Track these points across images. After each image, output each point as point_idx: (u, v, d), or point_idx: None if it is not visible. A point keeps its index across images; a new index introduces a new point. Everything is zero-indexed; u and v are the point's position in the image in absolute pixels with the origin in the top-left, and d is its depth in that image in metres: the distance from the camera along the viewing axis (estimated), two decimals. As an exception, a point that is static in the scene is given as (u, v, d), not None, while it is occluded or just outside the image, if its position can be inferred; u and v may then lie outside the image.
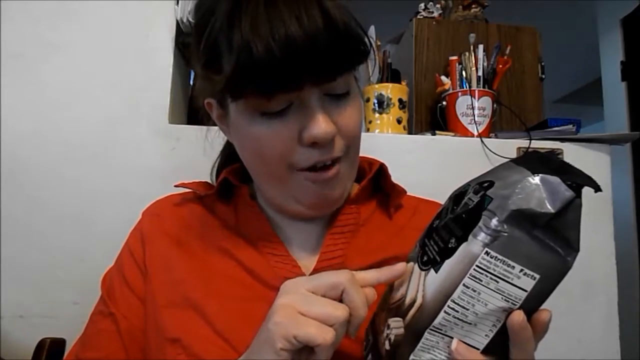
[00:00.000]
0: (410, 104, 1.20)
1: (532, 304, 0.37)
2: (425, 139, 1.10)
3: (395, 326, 0.41)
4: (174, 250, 0.58)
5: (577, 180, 0.36)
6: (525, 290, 0.36)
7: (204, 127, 0.63)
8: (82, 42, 1.07)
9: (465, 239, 0.37)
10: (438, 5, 1.38)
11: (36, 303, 0.97)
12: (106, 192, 1.01)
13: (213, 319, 0.51)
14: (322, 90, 0.49)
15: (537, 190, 0.36)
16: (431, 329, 0.39)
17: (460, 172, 1.09)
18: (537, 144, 1.08)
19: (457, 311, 0.37)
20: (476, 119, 1.12)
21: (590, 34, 2.70)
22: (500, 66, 1.18)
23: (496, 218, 0.36)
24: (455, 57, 1.18)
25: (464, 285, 0.37)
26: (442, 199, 0.68)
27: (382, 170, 0.62)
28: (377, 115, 1.14)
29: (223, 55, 0.47)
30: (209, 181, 0.67)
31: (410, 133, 1.18)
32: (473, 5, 1.35)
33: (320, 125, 0.47)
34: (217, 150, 0.68)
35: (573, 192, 0.35)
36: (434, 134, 1.12)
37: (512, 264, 0.36)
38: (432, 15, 1.36)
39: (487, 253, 0.36)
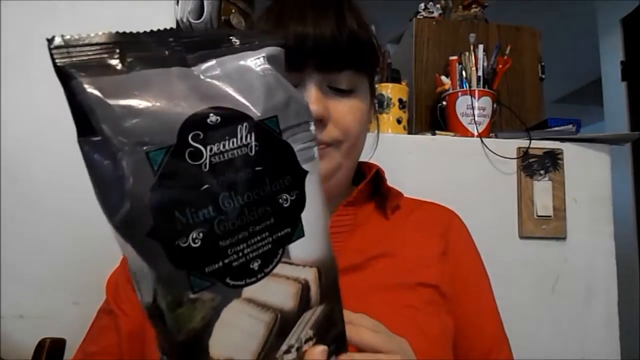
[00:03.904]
0: (410, 104, 1.20)
1: None
2: (425, 139, 1.10)
3: None
4: None
5: None
6: None
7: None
8: (82, 42, 1.07)
9: None
10: (438, 5, 1.38)
11: (36, 303, 0.97)
12: (106, 192, 1.01)
13: None
14: (325, 81, 0.54)
15: None
16: None
17: (460, 172, 1.10)
18: (537, 144, 1.08)
19: None
20: (476, 119, 1.12)
21: (590, 34, 2.70)
22: (500, 66, 1.18)
23: None
24: (455, 57, 1.18)
25: None
26: (441, 199, 0.69)
27: (378, 174, 0.64)
28: (377, 115, 1.14)
29: None
30: None
31: (410, 133, 1.18)
32: (473, 5, 1.35)
33: (311, 101, 0.51)
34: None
35: None
36: (434, 134, 1.12)
37: None
38: (432, 15, 1.36)
39: None
